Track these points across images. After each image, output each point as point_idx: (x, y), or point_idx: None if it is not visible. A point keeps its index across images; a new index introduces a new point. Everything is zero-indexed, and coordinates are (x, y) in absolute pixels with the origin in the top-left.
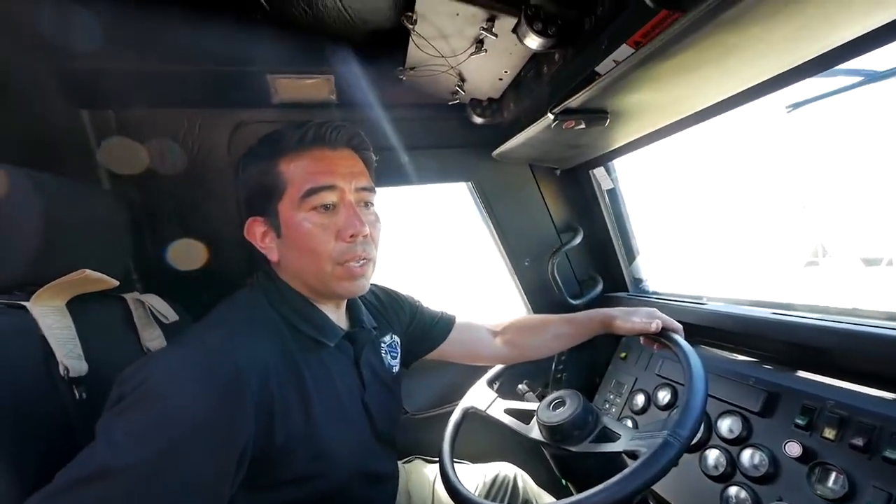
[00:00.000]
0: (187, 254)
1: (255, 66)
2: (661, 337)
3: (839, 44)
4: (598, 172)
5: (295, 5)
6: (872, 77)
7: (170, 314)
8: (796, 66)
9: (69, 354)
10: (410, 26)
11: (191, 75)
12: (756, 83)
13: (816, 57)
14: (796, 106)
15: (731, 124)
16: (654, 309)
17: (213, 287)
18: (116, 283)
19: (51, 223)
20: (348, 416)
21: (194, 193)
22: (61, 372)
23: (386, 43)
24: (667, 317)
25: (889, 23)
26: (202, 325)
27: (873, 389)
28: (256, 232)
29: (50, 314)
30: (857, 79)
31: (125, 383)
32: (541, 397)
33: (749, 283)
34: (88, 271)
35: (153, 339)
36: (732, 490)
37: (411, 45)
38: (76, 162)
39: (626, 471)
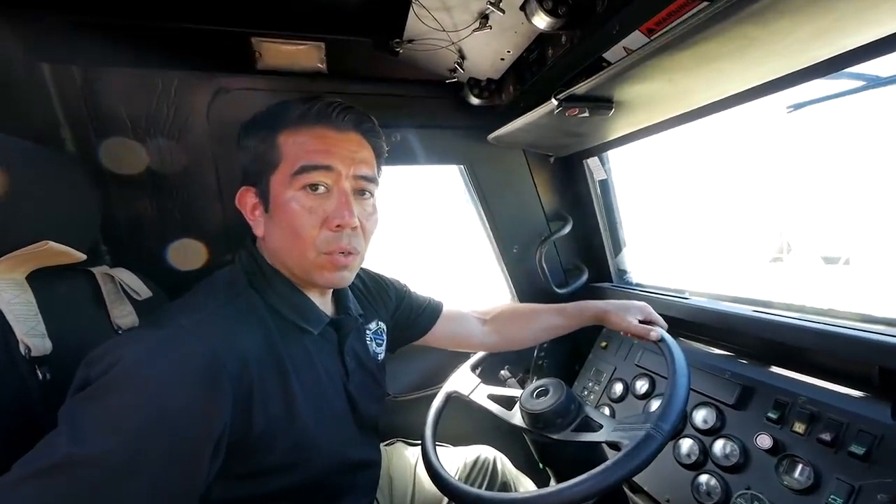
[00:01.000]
0: (161, 226)
1: (238, 27)
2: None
3: (855, 46)
4: (592, 162)
5: None
6: (876, 82)
7: (142, 290)
8: (811, 66)
9: (31, 332)
10: None
11: (167, 33)
12: (768, 80)
13: (831, 58)
14: (798, 107)
15: (726, 121)
16: (645, 304)
17: (188, 262)
18: (83, 256)
19: (8, 188)
20: (331, 404)
21: (170, 162)
22: (22, 351)
23: (382, 11)
24: (656, 314)
25: None
26: (178, 306)
27: (843, 387)
28: (247, 202)
29: (8, 288)
30: (860, 83)
31: (92, 366)
32: (521, 382)
33: (720, 274)
34: (51, 243)
35: (124, 315)
36: (703, 478)
37: (411, 16)
38: (37, 121)
39: (608, 462)
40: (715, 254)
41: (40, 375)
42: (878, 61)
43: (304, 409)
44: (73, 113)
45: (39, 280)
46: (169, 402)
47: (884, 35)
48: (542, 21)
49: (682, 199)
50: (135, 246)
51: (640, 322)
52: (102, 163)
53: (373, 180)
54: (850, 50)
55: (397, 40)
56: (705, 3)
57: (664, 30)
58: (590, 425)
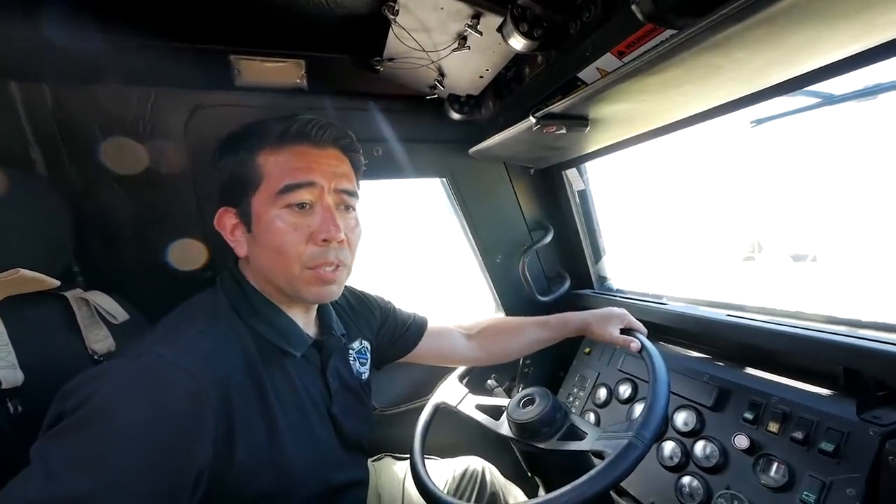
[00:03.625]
0: (138, 246)
1: (217, 44)
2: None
3: (812, 68)
4: (571, 173)
5: None
6: (830, 100)
7: (119, 313)
8: (771, 86)
9: (1, 364)
10: (392, 16)
11: (142, 49)
12: (732, 99)
13: (791, 79)
14: (759, 122)
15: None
16: (624, 311)
17: (168, 282)
18: (56, 283)
19: None
20: (314, 430)
21: (146, 182)
22: None
23: (362, 30)
24: (635, 320)
25: (857, 53)
26: (156, 334)
27: (812, 386)
28: (227, 223)
29: None
30: (816, 100)
31: (65, 400)
32: (508, 391)
33: (696, 274)
34: (23, 270)
35: (99, 340)
36: (686, 479)
37: (391, 36)
38: (5, 142)
39: (592, 471)
40: (691, 255)
41: (11, 409)
42: (830, 81)
43: (287, 438)
44: (43, 132)
45: (9, 307)
46: (148, 436)
47: (831, 61)
48: (518, 43)
49: (658, 206)
50: (110, 267)
51: (622, 330)
52: (75, 183)
53: (354, 194)
54: (802, 74)
55: (377, 58)
56: (673, 31)
57: (634, 52)
58: (575, 433)
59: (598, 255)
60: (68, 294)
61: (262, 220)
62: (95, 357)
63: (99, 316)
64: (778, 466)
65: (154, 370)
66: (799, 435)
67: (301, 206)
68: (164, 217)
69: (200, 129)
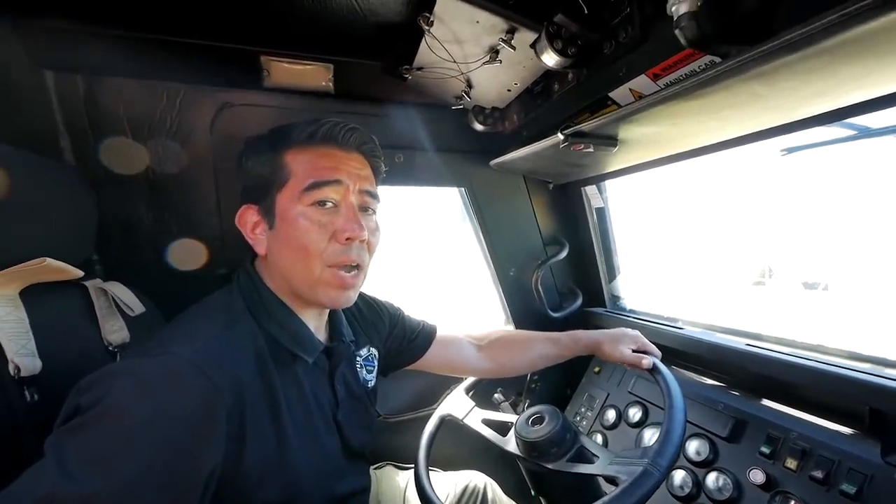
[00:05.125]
0: (157, 239)
1: (248, 45)
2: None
3: (859, 101)
4: (590, 190)
5: None
6: (866, 132)
7: (136, 305)
8: (812, 117)
9: (20, 351)
10: (426, 27)
11: (175, 45)
12: (769, 127)
13: (834, 110)
14: (791, 150)
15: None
16: (637, 332)
17: (183, 277)
18: (80, 273)
19: (4, 200)
20: (320, 437)
21: (169, 176)
22: (11, 371)
23: (393, 38)
24: (649, 342)
25: None
26: (172, 332)
27: (834, 424)
28: (248, 220)
29: (1, 305)
30: (852, 132)
31: (82, 394)
32: (514, 406)
33: (705, 298)
34: (49, 260)
35: (115, 331)
36: None
37: (423, 46)
38: (37, 129)
39: (607, 498)
40: (700, 277)
41: (28, 397)
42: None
43: (294, 445)
44: (73, 122)
45: (31, 295)
46: (162, 437)
47: (880, 94)
48: (551, 59)
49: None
50: (128, 259)
51: (634, 351)
52: (100, 174)
53: (376, 196)
54: (847, 106)
55: (406, 66)
56: (715, 58)
57: (670, 76)
58: (585, 456)
59: (612, 274)
60: (88, 284)
61: (286, 217)
62: (110, 348)
63: (116, 307)
64: None
65: (171, 370)
66: (819, 474)
67: (325, 203)
68: (184, 212)
69: (226, 128)
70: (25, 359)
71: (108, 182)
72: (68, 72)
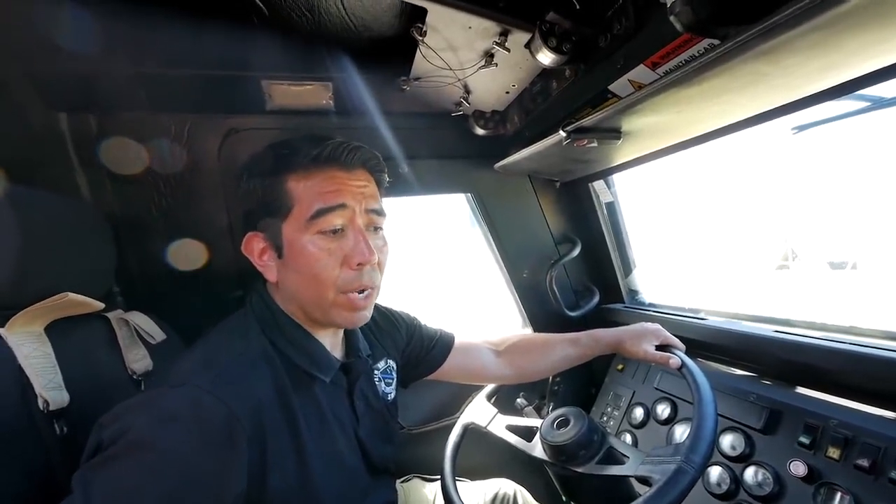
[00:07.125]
0: (172, 268)
1: (249, 71)
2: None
3: (868, 71)
4: (598, 185)
5: (295, 10)
6: (880, 103)
7: (156, 333)
8: (820, 92)
9: (48, 385)
10: (420, 38)
11: (180, 79)
12: (776, 106)
13: (843, 83)
14: (802, 128)
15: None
16: (659, 326)
17: (199, 302)
18: (101, 305)
19: (27, 240)
20: (342, 456)
21: (181, 203)
22: (40, 406)
23: (389, 51)
24: (671, 336)
25: None
26: (191, 362)
27: (876, 408)
28: (255, 248)
29: (27, 341)
30: (865, 104)
31: (104, 430)
32: (538, 409)
33: (728, 285)
34: (71, 295)
35: (138, 360)
36: None
37: (418, 56)
38: (53, 169)
39: (641, 499)
40: (721, 263)
41: (58, 430)
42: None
43: (316, 466)
44: (87, 159)
45: (56, 329)
46: (186, 468)
47: (891, 63)
48: (546, 58)
49: (686, 213)
50: (147, 288)
51: (657, 346)
52: (115, 207)
53: (382, 213)
54: (856, 78)
55: (403, 78)
56: (714, 41)
57: (670, 63)
58: (614, 457)
59: (627, 268)
60: (110, 315)
61: (294, 246)
62: (135, 376)
63: (138, 335)
64: (842, 497)
65: (191, 400)
66: (864, 462)
67: (334, 231)
68: (197, 238)
69: (233, 152)
70: (53, 392)
71: (124, 214)
72: (81, 112)
